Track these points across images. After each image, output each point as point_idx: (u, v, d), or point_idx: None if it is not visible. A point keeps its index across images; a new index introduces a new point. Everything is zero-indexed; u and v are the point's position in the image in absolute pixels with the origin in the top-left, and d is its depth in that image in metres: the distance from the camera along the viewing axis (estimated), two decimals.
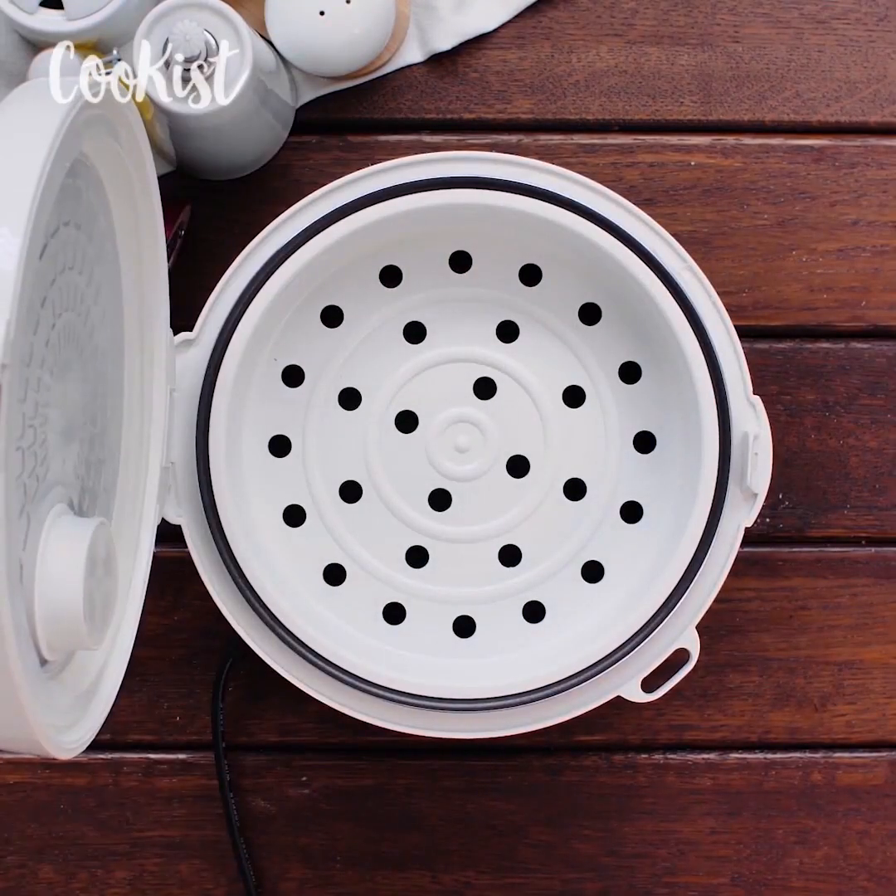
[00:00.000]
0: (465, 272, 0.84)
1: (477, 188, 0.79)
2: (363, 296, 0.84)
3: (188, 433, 0.78)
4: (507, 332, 0.84)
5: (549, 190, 0.78)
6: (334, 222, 0.78)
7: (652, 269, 0.78)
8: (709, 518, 0.79)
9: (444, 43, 0.87)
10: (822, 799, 0.90)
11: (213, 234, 0.87)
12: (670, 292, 0.79)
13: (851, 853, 0.90)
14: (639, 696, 0.80)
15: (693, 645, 0.80)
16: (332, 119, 0.88)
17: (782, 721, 0.89)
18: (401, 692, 0.79)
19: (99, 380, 0.72)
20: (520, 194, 0.79)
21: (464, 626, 0.85)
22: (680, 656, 0.80)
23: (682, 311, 0.79)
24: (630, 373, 0.84)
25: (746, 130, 0.88)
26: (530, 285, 0.84)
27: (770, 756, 0.90)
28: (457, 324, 0.84)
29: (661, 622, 0.78)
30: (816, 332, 0.89)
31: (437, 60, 0.88)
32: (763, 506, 0.79)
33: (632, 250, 0.78)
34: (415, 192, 0.78)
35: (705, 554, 0.78)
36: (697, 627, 0.79)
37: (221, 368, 0.78)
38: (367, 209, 0.78)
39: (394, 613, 0.84)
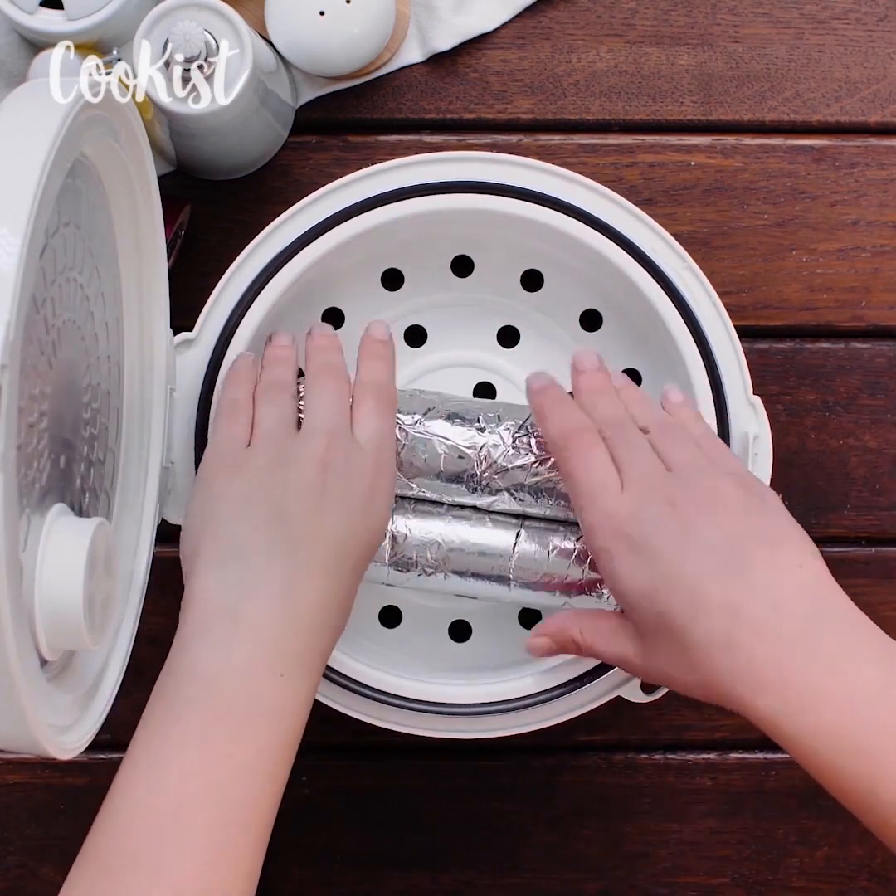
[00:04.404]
0: (466, 277, 0.84)
1: (479, 193, 0.79)
2: (364, 298, 0.84)
3: (188, 433, 0.78)
4: (508, 337, 0.84)
5: (550, 194, 0.78)
6: (336, 225, 0.78)
7: (650, 273, 0.78)
8: None
9: (444, 43, 0.87)
10: (823, 799, 0.89)
11: (213, 234, 0.87)
12: (668, 295, 0.79)
13: (852, 853, 0.90)
14: (639, 697, 0.80)
15: None
16: (332, 119, 0.88)
17: None
18: (399, 696, 0.79)
19: (99, 380, 0.72)
20: (521, 199, 0.78)
21: (460, 631, 0.85)
22: None
23: (680, 313, 0.79)
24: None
25: (746, 130, 0.88)
26: (532, 291, 0.84)
27: (770, 756, 0.90)
28: (458, 328, 0.84)
29: None
30: (816, 332, 0.89)
31: (437, 60, 0.88)
32: None
33: (630, 253, 0.78)
34: (417, 197, 0.78)
35: None
36: None
37: (221, 369, 0.78)
38: (369, 212, 0.78)
39: (390, 617, 0.84)
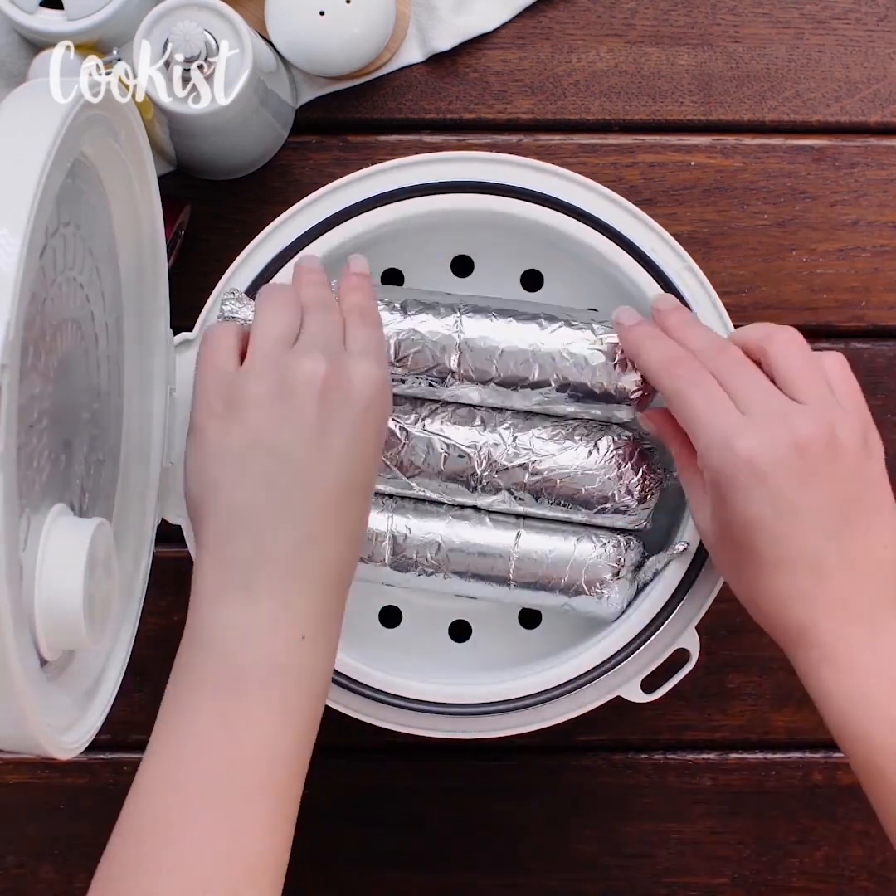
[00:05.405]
0: (466, 277, 0.84)
1: (479, 193, 0.79)
2: None
3: None
4: None
5: (550, 194, 0.78)
6: (336, 225, 0.78)
7: (650, 273, 0.78)
8: None
9: (444, 43, 0.87)
10: (823, 799, 0.90)
11: (213, 234, 0.87)
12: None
13: (851, 853, 0.90)
14: (639, 697, 0.80)
15: (693, 645, 0.79)
16: (332, 119, 0.88)
17: (782, 721, 0.89)
18: (399, 696, 0.79)
19: (99, 380, 0.72)
20: (521, 199, 0.78)
21: (460, 631, 0.85)
22: (680, 656, 0.80)
23: None
24: None
25: (746, 130, 0.88)
26: (532, 291, 0.84)
27: (770, 756, 0.90)
28: None
29: (661, 623, 0.78)
30: (816, 332, 0.88)
31: (437, 60, 0.88)
32: None
33: (630, 253, 0.78)
34: (417, 197, 0.78)
35: (706, 554, 0.78)
36: (697, 627, 0.79)
37: None
38: (369, 212, 0.78)
39: (390, 617, 0.84)
